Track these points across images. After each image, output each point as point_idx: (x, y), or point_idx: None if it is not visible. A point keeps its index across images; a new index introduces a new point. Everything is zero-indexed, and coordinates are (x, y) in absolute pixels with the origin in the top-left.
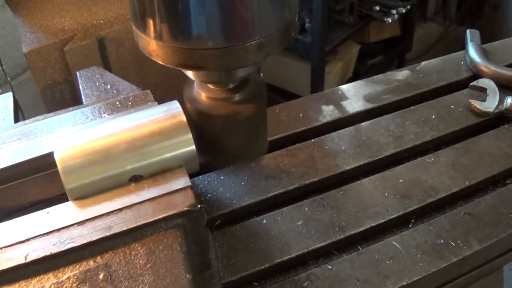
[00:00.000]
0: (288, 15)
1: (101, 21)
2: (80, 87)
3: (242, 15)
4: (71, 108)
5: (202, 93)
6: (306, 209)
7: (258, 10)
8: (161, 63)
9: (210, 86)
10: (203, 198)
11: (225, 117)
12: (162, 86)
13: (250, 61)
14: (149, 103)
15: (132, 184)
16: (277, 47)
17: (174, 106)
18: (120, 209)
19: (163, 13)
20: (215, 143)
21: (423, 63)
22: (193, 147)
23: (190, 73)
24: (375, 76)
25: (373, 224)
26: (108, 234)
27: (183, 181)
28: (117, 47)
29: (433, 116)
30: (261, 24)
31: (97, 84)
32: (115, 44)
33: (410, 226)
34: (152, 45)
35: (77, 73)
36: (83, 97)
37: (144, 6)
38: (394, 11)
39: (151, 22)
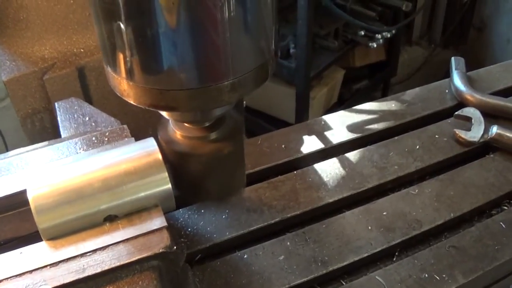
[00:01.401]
0: (264, 52)
1: (81, 50)
2: (59, 118)
3: (215, 55)
4: (47, 142)
5: (177, 132)
6: (288, 243)
7: (232, 49)
8: (133, 103)
9: (186, 124)
10: (183, 232)
11: (201, 156)
12: (143, 115)
13: (224, 102)
14: (126, 138)
15: (107, 224)
16: (253, 86)
17: (150, 144)
18: (94, 251)
19: (133, 52)
20: (192, 182)
21: (407, 92)
22: (169, 185)
23: (164, 112)
24: (359, 106)
25: (356, 259)
26: (81, 276)
27: (159, 221)
28: (97, 76)
29: (418, 146)
30: (235, 63)
31: (75, 116)
32: (95, 73)
33: (394, 259)
34: (123, 84)
35: (56, 104)
36: (61, 129)
37: (114, 44)
38: (379, 36)
39: (121, 61)
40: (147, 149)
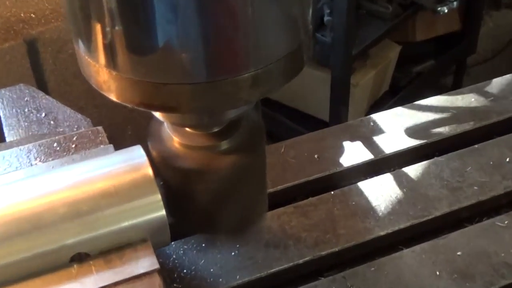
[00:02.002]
0: (298, 33)
1: (32, 15)
2: (1, 114)
3: (231, 37)
4: None
5: (175, 139)
6: None
7: (255, 29)
8: (115, 100)
9: (187, 129)
10: (176, 275)
11: (207, 172)
12: (119, 110)
13: (243, 101)
14: (102, 146)
15: (74, 266)
16: (282, 80)
17: (137, 154)
18: None
19: (117, 28)
20: (193, 207)
21: (494, 80)
22: (163, 212)
23: (157, 113)
24: (423, 100)
25: None
26: None
27: (148, 263)
28: (55, 53)
29: (508, 159)
30: (259, 48)
31: (25, 110)
32: (52, 49)
33: None
34: (102, 74)
35: None
36: (4, 130)
37: (89, 15)
38: None
39: (100, 40)
40: (133, 161)
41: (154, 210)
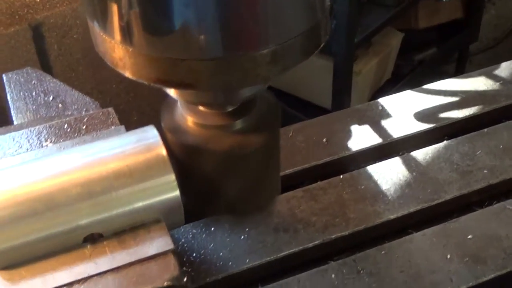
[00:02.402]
0: (317, 9)
1: None
2: (8, 97)
3: (250, 12)
4: None
5: (189, 118)
6: (333, 275)
7: (274, 6)
8: (131, 77)
9: (201, 108)
10: (185, 259)
11: (222, 152)
12: (125, 96)
13: (261, 78)
14: (113, 127)
15: (88, 247)
16: (301, 56)
17: (150, 134)
18: (70, 284)
19: (136, 4)
20: (206, 187)
21: (503, 64)
22: (177, 192)
23: (172, 91)
24: (430, 85)
25: None
26: None
27: (162, 243)
28: (61, 38)
29: None
30: (279, 24)
31: (33, 93)
32: (57, 34)
33: None
34: (119, 51)
35: (4, 76)
36: (12, 113)
37: None
38: None
39: (115, 15)
40: (146, 141)
41: (168, 190)
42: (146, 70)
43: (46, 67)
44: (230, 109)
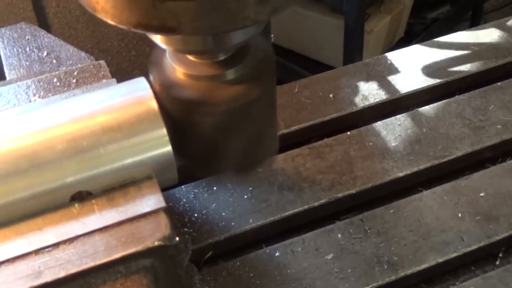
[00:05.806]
0: None
1: None
2: (1, 53)
3: None
4: None
5: (178, 69)
6: (339, 235)
7: None
8: (110, 22)
9: (190, 57)
10: (186, 219)
11: (213, 104)
12: (127, 54)
13: (249, 20)
14: (104, 80)
15: (75, 205)
16: None
17: (140, 86)
18: (56, 245)
19: None
20: (199, 144)
21: None
22: (169, 147)
23: (158, 38)
24: (441, 38)
25: (440, 260)
26: (35, 284)
27: (153, 200)
28: None
29: None
30: None
31: (27, 49)
32: None
33: (497, 263)
34: None
35: None
36: (5, 69)
37: None
38: None
39: None
40: (136, 93)
41: (160, 145)
42: (126, 13)
43: (44, 25)
44: (221, 57)
